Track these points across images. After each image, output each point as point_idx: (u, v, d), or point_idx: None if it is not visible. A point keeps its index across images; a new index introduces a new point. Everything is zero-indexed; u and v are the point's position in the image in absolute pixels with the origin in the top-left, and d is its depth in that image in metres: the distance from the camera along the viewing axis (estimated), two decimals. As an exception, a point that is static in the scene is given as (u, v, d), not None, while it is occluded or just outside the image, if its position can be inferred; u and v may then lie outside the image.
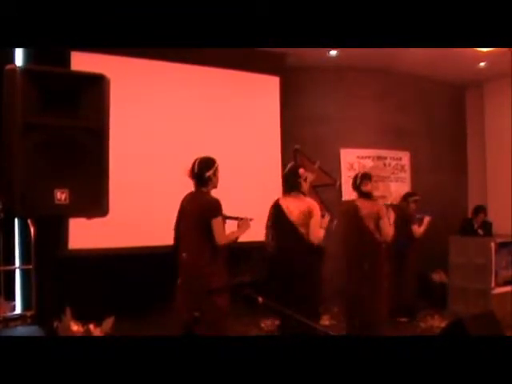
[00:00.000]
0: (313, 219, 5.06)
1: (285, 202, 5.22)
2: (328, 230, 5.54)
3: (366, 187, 5.99)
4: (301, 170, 5.30)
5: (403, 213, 7.31)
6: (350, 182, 6.32)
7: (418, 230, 7.29)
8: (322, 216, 5.24)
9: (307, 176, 5.35)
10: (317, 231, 5.09)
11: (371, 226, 5.81)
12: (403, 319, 7.10)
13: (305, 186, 5.26)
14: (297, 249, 5.08)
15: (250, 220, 4.77)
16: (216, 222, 4.51)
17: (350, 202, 6.16)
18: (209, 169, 4.64)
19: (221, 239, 4.52)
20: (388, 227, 5.84)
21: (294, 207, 5.13)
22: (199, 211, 4.57)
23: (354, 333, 5.71)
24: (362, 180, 6.01)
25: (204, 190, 4.66)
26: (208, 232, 4.50)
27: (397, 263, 6.99)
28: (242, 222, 4.76)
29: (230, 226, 4.81)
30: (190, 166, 4.67)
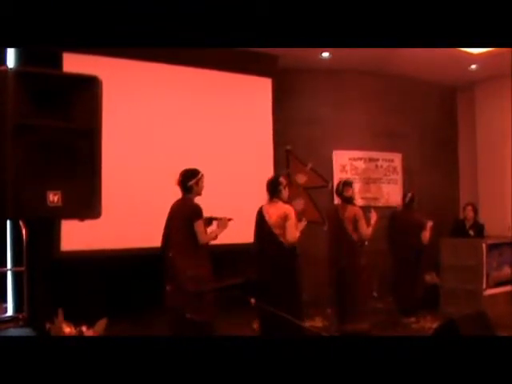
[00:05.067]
0: (288, 222, 5.53)
1: (266, 207, 5.71)
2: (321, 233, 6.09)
3: (348, 193, 6.65)
4: (281, 179, 5.82)
5: (412, 219, 7.67)
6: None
7: (425, 235, 7.54)
8: (300, 220, 5.80)
9: (287, 183, 5.87)
10: (292, 232, 5.54)
11: (350, 227, 6.48)
12: (412, 319, 7.41)
13: (284, 193, 5.74)
14: (272, 248, 5.57)
15: (229, 220, 5.33)
16: (198, 224, 5.16)
17: (333, 206, 6.94)
18: (191, 179, 5.27)
19: (202, 238, 5.16)
20: (365, 229, 6.47)
21: (273, 212, 5.63)
22: (184, 215, 5.22)
23: (340, 320, 6.48)
24: (343, 187, 6.67)
25: (189, 196, 5.28)
26: (191, 233, 5.14)
27: (410, 268, 7.54)
28: (221, 222, 5.33)
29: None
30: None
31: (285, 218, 5.55)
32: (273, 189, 5.68)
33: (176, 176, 5.29)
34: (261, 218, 5.68)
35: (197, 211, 5.22)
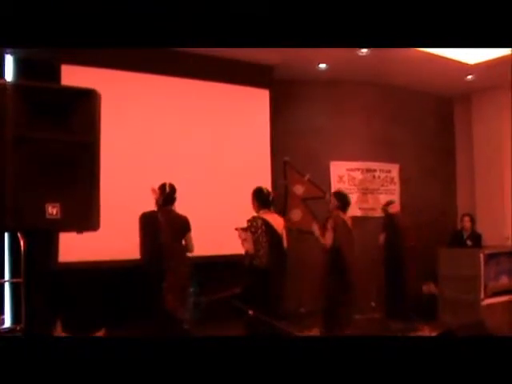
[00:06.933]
0: (285, 231, 5.75)
1: (270, 217, 5.61)
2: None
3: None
4: (269, 190, 5.93)
5: (403, 224, 7.97)
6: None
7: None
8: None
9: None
10: (288, 239, 5.78)
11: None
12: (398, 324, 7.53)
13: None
14: (281, 257, 5.63)
15: None
16: (190, 236, 5.59)
17: (339, 217, 6.71)
18: (175, 191, 5.51)
19: (193, 248, 5.62)
20: None
21: (278, 222, 5.67)
22: (180, 226, 5.52)
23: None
24: (348, 199, 6.93)
25: (171, 208, 5.54)
26: (182, 244, 5.53)
27: (396, 270, 7.78)
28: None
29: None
30: (156, 187, 5.58)
31: (284, 227, 5.74)
32: (266, 199, 5.67)
33: (155, 189, 5.58)
34: (271, 228, 5.56)
35: (188, 223, 5.58)
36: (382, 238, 7.89)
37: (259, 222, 5.48)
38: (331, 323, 6.51)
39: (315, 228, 6.85)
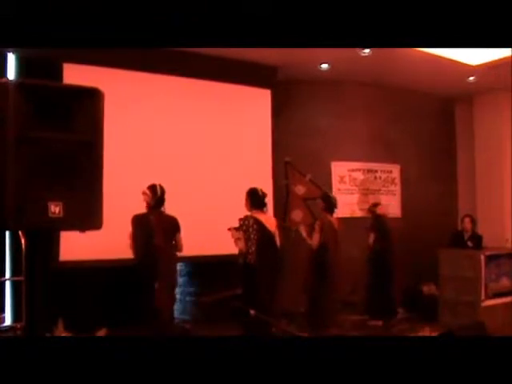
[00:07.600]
0: (278, 231, 5.88)
1: (263, 217, 5.72)
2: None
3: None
4: (263, 190, 5.93)
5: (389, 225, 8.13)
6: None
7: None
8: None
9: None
10: (281, 239, 5.95)
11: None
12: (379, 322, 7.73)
13: None
14: (275, 255, 5.73)
15: None
16: (180, 235, 5.74)
17: (326, 218, 6.99)
18: (165, 193, 5.64)
19: (182, 248, 5.77)
20: None
21: (271, 222, 5.81)
22: (171, 227, 5.67)
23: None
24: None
25: (162, 209, 5.66)
26: (172, 243, 5.69)
27: (383, 270, 7.83)
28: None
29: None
30: (146, 190, 5.69)
31: (277, 226, 5.88)
32: (260, 201, 5.75)
33: (146, 192, 5.68)
34: (262, 226, 5.65)
35: (178, 223, 5.73)
36: (371, 238, 7.93)
37: (251, 221, 5.59)
38: (314, 323, 6.62)
39: (302, 229, 6.99)
